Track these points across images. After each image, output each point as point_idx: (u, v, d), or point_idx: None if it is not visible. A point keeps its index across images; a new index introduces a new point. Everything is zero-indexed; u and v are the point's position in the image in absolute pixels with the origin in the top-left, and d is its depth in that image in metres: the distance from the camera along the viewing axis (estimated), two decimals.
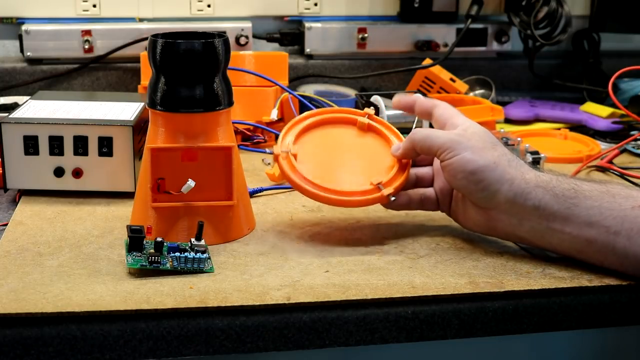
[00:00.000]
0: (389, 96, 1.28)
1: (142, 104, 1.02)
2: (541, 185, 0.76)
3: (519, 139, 1.11)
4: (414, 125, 1.12)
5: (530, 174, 0.77)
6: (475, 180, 0.77)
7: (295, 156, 0.84)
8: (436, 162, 0.87)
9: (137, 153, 0.94)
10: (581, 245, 0.76)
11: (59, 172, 0.94)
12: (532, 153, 1.09)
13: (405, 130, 1.12)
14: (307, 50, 1.47)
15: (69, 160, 0.94)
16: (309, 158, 0.85)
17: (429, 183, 0.87)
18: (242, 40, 1.43)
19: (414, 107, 0.87)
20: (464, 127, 0.81)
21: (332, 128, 0.89)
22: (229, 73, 0.84)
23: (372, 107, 0.90)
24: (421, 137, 0.81)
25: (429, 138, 0.81)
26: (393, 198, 0.82)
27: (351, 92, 1.40)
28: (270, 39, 1.48)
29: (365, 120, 0.88)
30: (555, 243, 0.77)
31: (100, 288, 0.72)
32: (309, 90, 1.38)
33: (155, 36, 0.80)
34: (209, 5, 1.47)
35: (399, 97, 0.88)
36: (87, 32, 1.40)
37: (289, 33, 1.48)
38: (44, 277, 0.74)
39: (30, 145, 0.93)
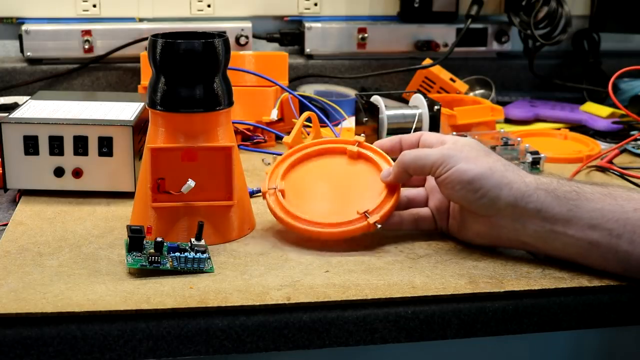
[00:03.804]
0: (389, 96, 1.28)
1: (142, 104, 1.02)
2: (542, 187, 0.76)
3: (519, 139, 1.11)
4: (414, 125, 1.12)
5: (530, 177, 0.77)
6: (474, 188, 0.76)
7: (282, 192, 0.84)
8: (429, 181, 0.87)
9: (137, 153, 0.94)
10: (584, 249, 0.75)
11: (59, 172, 0.94)
12: (532, 153, 1.09)
13: (404, 131, 1.12)
14: (307, 50, 1.47)
15: (69, 160, 0.94)
16: (297, 192, 0.85)
17: (422, 204, 0.87)
18: (242, 40, 1.43)
19: (400, 146, 0.86)
20: (453, 141, 0.81)
21: (321, 159, 0.89)
22: (229, 73, 0.84)
23: (362, 135, 0.90)
24: (412, 158, 0.81)
25: (420, 158, 0.80)
26: (379, 226, 0.82)
27: (351, 92, 1.40)
28: (270, 39, 1.48)
29: (355, 148, 0.88)
30: (558, 247, 0.76)
31: (100, 288, 0.72)
32: (309, 90, 1.38)
33: (155, 36, 0.80)
34: (209, 5, 1.47)
35: (381, 143, 0.87)
36: (87, 32, 1.40)
37: (289, 33, 1.48)
38: (44, 277, 0.74)
39: (30, 145, 0.93)
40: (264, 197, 0.85)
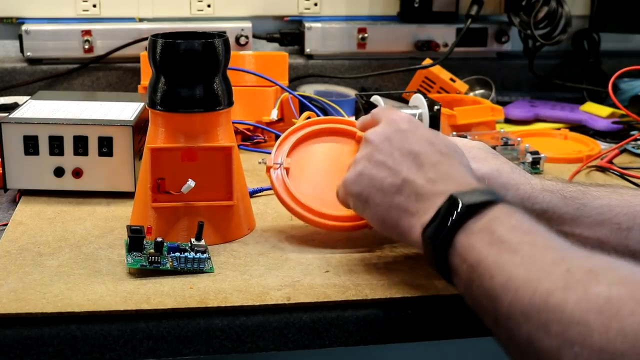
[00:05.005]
0: (389, 96, 1.28)
1: (142, 104, 1.02)
2: (548, 189, 0.76)
3: (519, 139, 1.11)
4: None
5: (535, 179, 0.77)
6: None
7: (287, 170, 0.84)
8: None
9: (137, 153, 0.94)
10: (593, 247, 0.72)
11: (59, 172, 0.94)
12: (532, 153, 1.09)
13: None
14: (307, 50, 1.48)
15: (69, 160, 0.94)
16: (303, 173, 0.85)
17: None
18: (242, 40, 1.43)
19: None
20: (463, 143, 0.80)
21: (330, 142, 0.88)
22: (229, 73, 0.84)
23: None
24: None
25: None
26: None
27: (351, 92, 1.40)
28: (270, 39, 1.48)
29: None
30: None
31: (100, 288, 0.72)
32: (309, 90, 1.38)
33: (155, 36, 0.80)
34: (209, 5, 1.47)
35: None
36: (87, 32, 1.40)
37: (289, 33, 1.48)
38: (44, 277, 0.74)
39: (30, 145, 0.93)
40: (267, 172, 0.84)
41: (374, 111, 0.78)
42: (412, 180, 0.69)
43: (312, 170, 0.85)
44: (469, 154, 0.77)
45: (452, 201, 0.63)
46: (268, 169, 0.84)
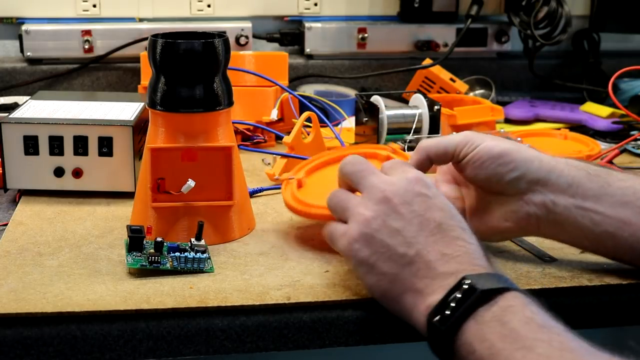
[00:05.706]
0: (389, 96, 1.28)
1: (142, 104, 1.02)
2: (572, 164, 0.75)
3: (519, 139, 1.11)
4: (414, 125, 1.12)
5: (558, 157, 0.76)
6: (504, 162, 0.74)
7: (299, 182, 0.84)
8: (443, 173, 0.84)
9: (137, 153, 0.94)
10: (615, 227, 0.72)
11: (59, 172, 0.94)
12: None
13: (405, 130, 1.12)
14: (307, 50, 1.48)
15: (69, 160, 0.94)
16: (317, 187, 0.84)
17: None
18: (242, 40, 1.43)
19: (430, 157, 0.78)
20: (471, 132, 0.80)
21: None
22: (229, 73, 0.84)
23: (399, 142, 0.89)
24: (433, 143, 0.77)
25: (442, 141, 0.76)
26: None
27: (351, 92, 1.40)
28: (270, 39, 1.48)
29: (385, 152, 0.87)
30: (588, 225, 0.73)
31: (100, 288, 0.72)
32: (309, 90, 1.38)
33: (155, 36, 0.80)
34: (209, 5, 1.47)
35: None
36: (87, 32, 1.40)
37: (289, 33, 1.49)
38: (44, 277, 0.74)
39: (30, 145, 0.93)
40: (283, 185, 0.85)
41: (387, 165, 0.73)
42: (425, 254, 0.65)
43: (328, 184, 0.85)
44: (485, 136, 0.76)
45: (466, 285, 0.60)
46: (281, 182, 0.85)
